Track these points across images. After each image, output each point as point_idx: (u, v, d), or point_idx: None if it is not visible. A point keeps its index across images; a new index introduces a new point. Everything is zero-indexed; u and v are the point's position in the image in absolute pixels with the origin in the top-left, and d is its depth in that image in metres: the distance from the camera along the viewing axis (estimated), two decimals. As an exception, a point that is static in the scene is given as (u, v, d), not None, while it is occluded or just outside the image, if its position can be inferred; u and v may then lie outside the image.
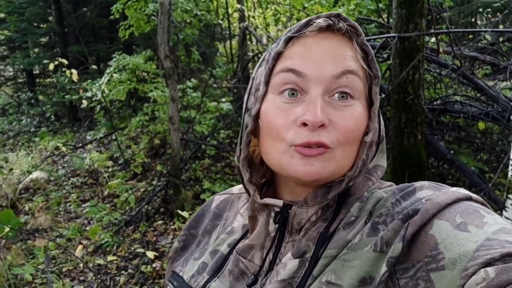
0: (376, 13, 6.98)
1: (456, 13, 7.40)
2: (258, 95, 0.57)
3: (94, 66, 9.12)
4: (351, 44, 0.54)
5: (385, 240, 0.49)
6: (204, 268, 0.65)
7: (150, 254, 2.96)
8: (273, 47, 0.58)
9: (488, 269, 0.40)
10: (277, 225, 0.58)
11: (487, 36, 6.29)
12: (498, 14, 8.81)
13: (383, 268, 0.47)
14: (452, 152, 4.10)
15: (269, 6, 7.83)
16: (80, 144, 6.64)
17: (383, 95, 4.27)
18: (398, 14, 3.65)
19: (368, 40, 4.19)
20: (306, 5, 6.18)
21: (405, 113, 3.62)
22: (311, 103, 0.52)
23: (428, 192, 0.51)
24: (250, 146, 0.60)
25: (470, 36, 7.24)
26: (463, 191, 0.51)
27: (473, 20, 9.28)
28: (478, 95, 4.13)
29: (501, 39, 6.18)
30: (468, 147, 4.62)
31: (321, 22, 0.53)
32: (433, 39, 4.54)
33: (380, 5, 5.90)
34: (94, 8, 9.24)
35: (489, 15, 8.67)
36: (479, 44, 5.76)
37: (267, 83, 0.56)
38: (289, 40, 0.55)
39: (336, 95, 0.53)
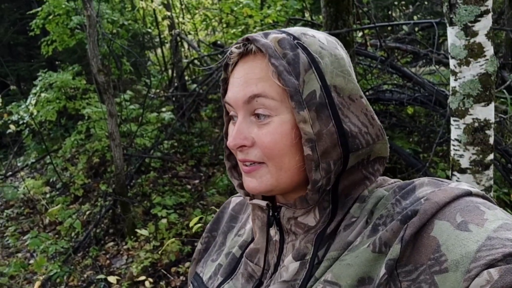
0: (301, 12, 7.23)
1: (374, 7, 7.87)
2: (224, 115, 0.64)
3: (14, 87, 8.50)
4: (265, 63, 0.55)
5: (384, 241, 0.49)
6: (219, 269, 0.68)
7: (112, 279, 2.82)
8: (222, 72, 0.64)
9: (491, 270, 0.40)
10: (274, 228, 0.61)
11: (405, 27, 6.77)
12: (410, 6, 9.51)
13: (382, 270, 0.47)
14: (388, 137, 4.35)
15: (197, 11, 7.78)
16: (10, 172, 6.14)
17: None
18: (327, 12, 3.80)
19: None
20: (235, 8, 6.22)
21: (344, 106, 3.78)
22: (235, 129, 0.58)
23: (428, 190, 0.51)
24: (232, 166, 0.66)
25: (389, 28, 7.75)
26: (462, 187, 0.50)
27: (389, 12, 9.92)
28: (406, 82, 4.42)
29: (416, 29, 6.67)
30: (401, 131, 4.94)
31: (234, 50, 0.58)
32: (360, 34, 4.79)
33: (305, 4, 6.10)
34: (8, 25, 8.60)
35: (403, 8, 9.34)
36: (398, 35, 6.18)
37: (224, 105, 0.63)
38: (226, 67, 0.61)
39: (252, 117, 0.57)
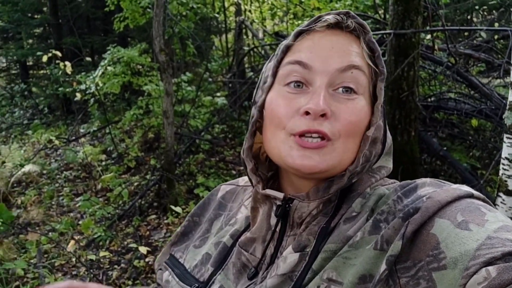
0: (373, 9, 6.97)
1: (452, 11, 7.40)
2: (265, 87, 0.59)
3: (88, 58, 9.06)
4: (358, 42, 0.56)
5: (385, 238, 0.49)
6: (208, 259, 0.65)
7: (143, 249, 2.95)
8: (283, 43, 0.59)
9: (490, 268, 0.40)
10: (278, 219, 0.59)
11: (482, 34, 6.31)
12: (493, 11, 8.83)
13: (383, 266, 0.47)
14: (445, 148, 4.11)
15: (265, 0, 7.79)
16: (74, 137, 6.59)
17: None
18: (395, 10, 3.64)
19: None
20: (303, 0, 6.15)
21: (399, 110, 3.63)
22: (314, 93, 0.53)
23: (430, 190, 0.51)
24: (255, 143, 0.62)
25: (466, 34, 7.26)
26: (464, 188, 0.50)
27: (469, 17, 9.28)
28: (472, 92, 4.14)
29: (496, 37, 6.19)
30: (461, 144, 4.64)
31: (330, 18, 0.55)
32: (429, 36, 4.54)
33: (377, 1, 5.88)
34: (88, -1, 9.14)
35: (485, 13, 8.69)
36: (474, 41, 5.77)
37: (274, 74, 0.58)
38: (298, 34, 0.57)
39: (340, 89, 0.54)
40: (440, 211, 0.47)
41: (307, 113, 0.52)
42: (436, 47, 4.27)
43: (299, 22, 6.42)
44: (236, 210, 0.71)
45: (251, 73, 6.35)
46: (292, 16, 7.46)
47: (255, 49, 6.60)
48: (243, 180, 0.77)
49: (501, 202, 1.59)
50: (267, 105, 0.57)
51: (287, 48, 0.58)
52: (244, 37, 6.96)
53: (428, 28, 3.98)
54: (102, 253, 3.23)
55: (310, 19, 0.58)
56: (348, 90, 0.54)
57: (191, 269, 0.66)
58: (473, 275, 0.40)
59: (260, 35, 7.17)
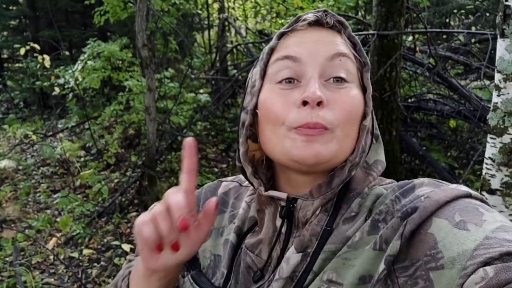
0: (354, 10, 7.05)
1: (431, 14, 7.56)
2: (254, 90, 0.58)
3: (66, 52, 8.84)
4: (340, 35, 0.58)
5: (384, 238, 0.49)
6: (219, 261, 0.64)
7: (126, 247, 2.91)
8: (266, 47, 0.60)
9: (487, 268, 0.40)
10: (284, 220, 0.58)
11: (460, 37, 6.46)
12: (470, 16, 9.06)
13: (381, 266, 0.47)
14: (424, 148, 4.20)
15: (248, -2, 7.77)
16: (51, 133, 6.43)
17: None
18: (378, 12, 3.69)
19: (347, 36, 4.23)
20: (286, -2, 6.16)
21: (381, 110, 3.68)
22: (308, 83, 0.53)
23: (427, 190, 0.51)
24: (249, 151, 0.61)
25: (444, 36, 7.43)
26: (462, 188, 0.51)
27: (447, 20, 9.50)
28: (451, 94, 4.24)
29: (473, 40, 6.36)
30: (439, 144, 4.75)
31: (310, 16, 0.57)
32: (410, 38, 4.62)
33: (359, 2, 5.95)
34: (67, -8, 8.92)
35: (462, 17, 8.91)
36: (453, 44, 5.91)
37: (262, 77, 0.58)
38: (281, 35, 0.58)
39: (331, 79, 0.54)
40: (438, 211, 0.47)
41: (304, 103, 0.52)
42: (417, 48, 4.35)
43: (282, 20, 6.43)
44: (237, 206, 0.70)
45: (234, 71, 6.33)
46: (275, 14, 7.47)
47: (238, 47, 6.58)
48: (245, 181, 0.74)
49: (484, 200, 1.63)
50: (261, 105, 0.57)
51: (272, 50, 0.58)
52: (227, 34, 6.93)
53: (410, 29, 4.05)
54: (86, 251, 3.16)
55: (291, 21, 0.59)
56: (339, 79, 0.54)
57: (205, 270, 0.65)
58: (471, 275, 0.40)
59: (243, 33, 7.15)
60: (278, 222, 0.59)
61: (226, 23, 6.35)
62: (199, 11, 7.76)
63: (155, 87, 4.40)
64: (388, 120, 3.70)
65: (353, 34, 0.58)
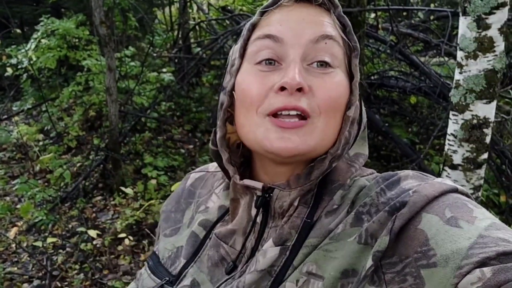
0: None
1: (392, -10, 7.65)
2: (233, 70, 0.55)
3: (18, 30, 8.32)
4: (329, 15, 0.54)
5: (370, 232, 0.47)
6: (181, 251, 0.61)
7: (92, 233, 2.84)
8: (248, 23, 0.55)
9: (484, 269, 0.39)
10: (259, 210, 0.55)
11: (420, 14, 6.59)
12: (429, -7, 9.26)
13: (369, 262, 0.45)
14: (387, 124, 4.31)
15: (210, -28, 7.55)
16: (5, 116, 6.10)
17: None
18: (342, -12, 3.69)
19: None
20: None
21: (346, 87, 3.73)
22: (288, 67, 0.49)
23: (414, 183, 0.50)
24: (226, 134, 0.58)
25: (404, 14, 7.56)
26: (449, 183, 0.50)
27: (406, -3, 9.66)
28: (412, 71, 4.34)
29: (431, 17, 6.52)
30: (401, 120, 4.90)
31: None
32: (373, 15, 4.67)
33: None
34: (15, -36, 8.34)
35: (422, -6, 9.09)
36: (413, 21, 6.03)
37: (242, 55, 0.54)
38: (264, 12, 0.54)
39: (315, 63, 0.51)
40: (427, 206, 0.46)
41: (282, 88, 0.49)
42: (380, 26, 4.40)
43: (246, -3, 6.31)
44: (207, 197, 0.67)
45: (198, 49, 6.20)
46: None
47: (201, 24, 6.42)
48: (213, 166, 0.72)
49: (447, 176, 1.70)
50: (237, 86, 0.53)
51: (253, 26, 0.54)
52: (189, 11, 6.73)
53: (373, 6, 4.09)
54: (49, 239, 3.06)
55: None
56: (323, 64, 0.51)
57: (164, 261, 0.62)
58: (466, 274, 0.39)
59: (206, 9, 6.97)
60: (253, 211, 0.56)
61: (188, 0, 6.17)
62: (159, -13, 7.49)
63: (115, 67, 4.24)
64: (352, 97, 3.76)
65: (343, 14, 0.54)
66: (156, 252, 0.65)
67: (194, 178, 0.72)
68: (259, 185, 0.54)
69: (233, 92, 0.54)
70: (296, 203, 0.54)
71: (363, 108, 0.58)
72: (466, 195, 0.50)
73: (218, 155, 0.58)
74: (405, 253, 0.45)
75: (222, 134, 0.57)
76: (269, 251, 0.52)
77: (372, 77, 4.71)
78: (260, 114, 0.51)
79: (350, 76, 0.55)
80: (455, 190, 0.49)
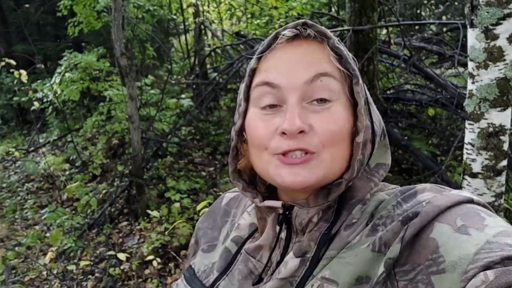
0: (327, 7, 7.16)
1: (403, 5, 7.73)
2: (240, 111, 0.60)
3: (41, 66, 8.71)
4: (323, 48, 0.55)
5: (384, 241, 0.49)
6: (214, 264, 0.66)
7: (122, 256, 2.90)
8: (250, 63, 0.60)
9: (488, 272, 0.40)
10: (281, 226, 0.59)
11: (432, 27, 6.63)
12: (440, 6, 9.29)
13: (381, 269, 0.47)
14: (406, 138, 4.31)
15: (222, 0, 7.80)
16: (33, 148, 6.33)
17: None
18: (351, 7, 3.78)
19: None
20: (260, -1, 6.22)
21: (362, 103, 3.77)
22: (287, 111, 0.53)
23: (429, 195, 0.52)
24: (243, 159, 0.63)
25: (417, 27, 7.61)
26: (464, 194, 0.51)
27: (418, 11, 9.72)
28: (428, 83, 4.36)
29: (444, 29, 6.54)
30: (420, 133, 4.87)
31: (288, 33, 0.55)
32: (384, 31, 4.73)
33: (331, -2, 6.05)
34: (38, 4, 8.78)
35: (433, 7, 9.13)
36: (425, 34, 6.07)
37: (246, 99, 0.59)
38: (261, 56, 0.57)
39: (314, 101, 0.54)
40: (440, 216, 0.48)
41: (283, 133, 0.53)
42: (392, 41, 4.46)
43: (258, 21, 6.48)
44: (239, 216, 0.71)
45: (215, 74, 6.35)
46: (250, 15, 7.52)
47: (216, 50, 6.61)
48: None
49: (467, 185, 1.71)
50: (248, 128, 0.58)
51: (253, 72, 0.58)
52: (204, 38, 6.94)
53: (383, 23, 4.16)
54: (83, 263, 3.14)
55: (269, 37, 0.57)
56: (322, 100, 0.53)
57: (199, 274, 0.67)
58: (472, 278, 0.41)
59: (220, 35, 7.18)
60: (277, 228, 0.60)
61: (203, 27, 6.37)
62: (174, 16, 7.76)
63: (136, 95, 4.40)
64: (369, 112, 3.79)
65: (337, 44, 0.55)
66: (192, 266, 0.70)
67: (229, 198, 0.77)
68: (278, 204, 0.58)
69: (244, 132, 0.60)
70: (315, 220, 0.57)
71: (378, 117, 0.61)
72: (483, 205, 0.51)
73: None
74: (417, 261, 0.46)
75: (233, 168, 0.62)
76: (289, 262, 0.56)
77: (388, 92, 4.74)
78: (269, 153, 0.55)
79: (354, 103, 0.57)
80: (470, 201, 0.50)
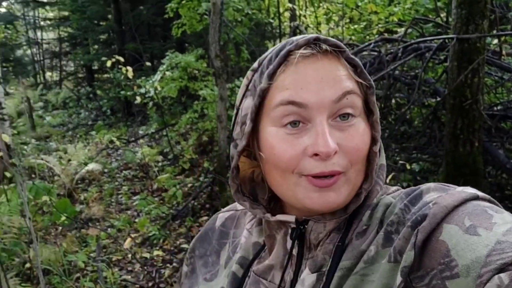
0: (434, 12, 6.68)
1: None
2: (245, 131, 0.55)
3: (148, 63, 9.47)
4: (341, 62, 0.54)
5: (398, 250, 0.48)
6: None
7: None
8: (256, 79, 0.56)
9: (502, 275, 0.39)
10: (294, 242, 0.56)
11: (558, 37, 5.81)
12: None
13: (398, 278, 0.46)
14: (512, 161, 3.84)
15: (321, 4, 7.73)
16: (133, 139, 6.92)
17: (438, 99, 4.09)
18: (458, 14, 3.47)
19: (425, 41, 4.01)
20: (359, 3, 6.03)
21: (462, 118, 3.44)
22: (318, 132, 0.50)
23: (435, 195, 0.51)
24: (247, 169, 0.62)
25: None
26: (469, 190, 0.50)
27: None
28: (544, 101, 3.84)
29: None
30: (531, 156, 4.31)
31: (304, 52, 0.52)
32: (496, 41, 4.27)
33: (439, 3, 5.64)
34: (150, 6, 9.57)
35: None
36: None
37: (254, 119, 0.55)
38: (272, 74, 0.53)
39: (338, 117, 0.52)
40: (447, 217, 0.47)
41: (316, 154, 0.50)
42: (503, 52, 4.01)
43: (356, 26, 6.30)
44: (239, 235, 0.68)
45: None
46: (348, 20, 7.34)
47: (309, 54, 6.55)
48: (240, 207, 0.73)
49: None
50: (267, 150, 0.54)
51: (263, 92, 0.53)
52: (299, 42, 6.94)
53: (495, 32, 3.75)
54: (155, 252, 3.35)
55: (278, 54, 0.54)
56: (346, 116, 0.52)
57: None
58: (487, 283, 0.40)
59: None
60: (289, 244, 0.57)
61: (298, 31, 6.37)
62: (271, 20, 7.88)
63: (226, 96, 4.55)
64: (469, 129, 3.45)
65: (351, 56, 0.54)
66: None
67: (223, 218, 0.72)
68: (292, 218, 0.55)
69: (260, 153, 0.56)
70: (327, 231, 0.56)
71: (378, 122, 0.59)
72: (488, 200, 0.50)
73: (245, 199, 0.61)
74: (430, 265, 0.46)
75: (235, 189, 0.59)
76: (306, 279, 0.54)
77: (495, 108, 4.27)
78: (296, 174, 0.52)
79: (369, 113, 0.56)
80: (476, 197, 0.49)
